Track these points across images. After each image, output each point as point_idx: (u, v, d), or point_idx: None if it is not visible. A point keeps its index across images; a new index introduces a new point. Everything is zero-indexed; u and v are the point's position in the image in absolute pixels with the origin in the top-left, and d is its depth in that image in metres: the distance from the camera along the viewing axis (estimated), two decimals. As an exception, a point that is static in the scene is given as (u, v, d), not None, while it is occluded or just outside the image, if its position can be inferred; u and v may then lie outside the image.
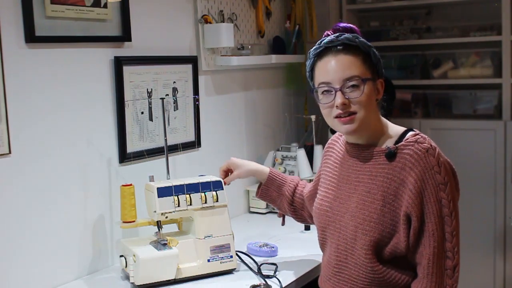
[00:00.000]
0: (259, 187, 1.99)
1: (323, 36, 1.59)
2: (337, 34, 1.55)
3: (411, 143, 1.49)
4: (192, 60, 2.42)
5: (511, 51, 2.86)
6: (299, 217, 1.97)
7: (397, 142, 1.53)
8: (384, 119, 1.61)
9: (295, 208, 1.94)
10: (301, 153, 2.70)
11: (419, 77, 3.19)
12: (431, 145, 1.49)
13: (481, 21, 3.03)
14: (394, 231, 1.47)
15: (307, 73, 1.62)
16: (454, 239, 1.44)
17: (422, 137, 1.51)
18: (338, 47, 1.52)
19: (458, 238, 1.45)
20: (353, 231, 1.51)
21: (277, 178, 1.95)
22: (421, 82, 3.18)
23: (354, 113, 1.51)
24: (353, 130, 1.53)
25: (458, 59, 3.08)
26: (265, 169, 1.97)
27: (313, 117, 2.75)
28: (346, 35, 1.53)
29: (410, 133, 1.54)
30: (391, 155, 1.50)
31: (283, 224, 2.06)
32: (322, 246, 1.68)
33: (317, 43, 1.58)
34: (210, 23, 2.48)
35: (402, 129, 1.58)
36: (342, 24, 1.59)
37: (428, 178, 1.44)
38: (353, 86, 1.50)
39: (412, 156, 1.46)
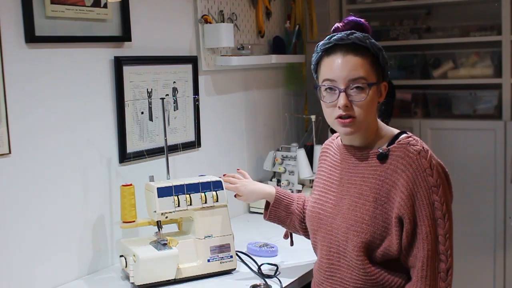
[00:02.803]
0: (266, 209, 1.93)
1: (333, 28, 1.56)
2: (348, 32, 1.50)
3: (403, 145, 1.48)
4: (192, 60, 2.42)
5: (511, 51, 2.86)
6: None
7: (389, 144, 1.52)
8: (379, 121, 1.59)
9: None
10: (301, 153, 2.69)
11: (419, 77, 3.19)
12: (423, 147, 1.47)
13: (481, 21, 3.03)
14: (386, 233, 1.46)
15: (312, 66, 1.59)
16: (448, 241, 1.43)
17: (414, 139, 1.50)
18: (348, 46, 1.49)
19: (451, 240, 1.44)
20: (344, 233, 1.51)
21: (284, 198, 1.89)
22: (421, 82, 3.18)
23: (354, 116, 1.49)
24: (351, 133, 1.52)
25: (458, 59, 3.08)
26: (272, 190, 1.90)
27: (313, 117, 2.75)
28: (357, 34, 1.50)
29: (403, 135, 1.52)
30: (382, 157, 1.49)
31: (291, 244, 2.00)
32: (315, 247, 1.67)
33: (327, 37, 1.54)
34: (210, 23, 2.48)
35: (395, 131, 1.57)
36: (353, 18, 1.55)
37: (420, 181, 1.43)
38: (357, 88, 1.47)
39: (403, 158, 1.45)
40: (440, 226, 1.43)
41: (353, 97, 1.48)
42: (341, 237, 1.52)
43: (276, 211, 1.90)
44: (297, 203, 1.88)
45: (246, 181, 1.98)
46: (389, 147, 1.50)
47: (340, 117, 1.50)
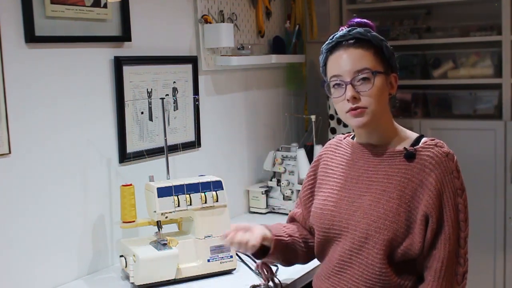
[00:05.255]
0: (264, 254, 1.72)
1: (338, 31, 1.58)
2: (350, 28, 1.54)
3: (431, 146, 1.50)
4: (192, 60, 2.42)
5: (511, 51, 2.86)
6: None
7: (413, 145, 1.54)
8: (396, 123, 1.62)
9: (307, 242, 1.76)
10: (301, 153, 2.69)
11: (419, 77, 3.19)
12: (449, 150, 1.50)
13: (481, 21, 3.03)
14: (408, 232, 1.46)
15: (320, 68, 1.61)
16: (466, 245, 1.47)
17: (440, 141, 1.53)
18: (350, 41, 1.51)
19: (467, 244, 1.48)
20: (364, 229, 1.50)
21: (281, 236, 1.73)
22: (421, 82, 3.17)
23: (364, 107, 1.50)
24: (364, 124, 1.51)
25: (458, 59, 3.08)
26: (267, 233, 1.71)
27: (313, 117, 2.75)
28: (359, 29, 1.53)
29: (427, 137, 1.56)
30: (410, 156, 1.50)
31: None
32: (322, 246, 1.64)
33: (329, 38, 1.57)
34: (210, 23, 2.48)
35: (415, 134, 1.60)
36: (356, 20, 1.58)
37: (448, 182, 1.45)
38: (363, 79, 1.49)
39: (432, 158, 1.47)
40: (461, 229, 1.46)
41: (359, 87, 1.49)
42: (359, 233, 1.51)
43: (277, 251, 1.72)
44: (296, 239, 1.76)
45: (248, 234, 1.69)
46: (415, 147, 1.52)
47: (351, 109, 1.50)
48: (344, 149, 1.66)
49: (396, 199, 1.48)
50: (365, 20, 1.58)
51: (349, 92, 1.49)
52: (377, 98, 1.50)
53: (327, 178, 1.67)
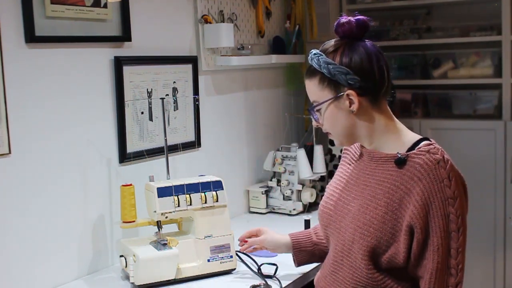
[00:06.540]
0: (294, 259, 1.89)
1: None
2: (309, 52, 1.55)
3: (423, 153, 1.43)
4: (192, 60, 2.42)
5: (511, 51, 2.86)
6: None
7: (409, 149, 1.48)
8: (398, 125, 1.56)
9: None
10: (301, 153, 2.69)
11: (419, 77, 3.19)
12: (443, 157, 1.43)
13: (481, 21, 3.03)
14: (393, 240, 1.44)
15: None
16: (460, 256, 1.39)
17: (435, 147, 1.45)
18: (308, 68, 1.55)
19: (463, 255, 1.41)
20: (351, 233, 1.50)
21: (301, 237, 1.88)
22: (421, 82, 3.18)
23: (328, 132, 1.57)
24: (339, 145, 1.59)
25: (458, 59, 3.08)
26: (287, 240, 1.89)
27: (313, 117, 2.75)
28: (313, 53, 1.52)
29: (424, 142, 1.48)
30: (400, 162, 1.45)
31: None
32: (326, 243, 1.67)
33: None
34: (210, 23, 2.48)
35: (417, 137, 1.53)
36: (336, 25, 1.52)
37: (437, 191, 1.39)
38: (315, 108, 1.53)
39: (422, 166, 1.41)
40: (453, 239, 1.39)
41: (316, 118, 1.56)
42: (348, 237, 1.51)
43: (301, 253, 1.87)
44: (315, 233, 1.86)
45: (263, 237, 1.96)
46: (408, 153, 1.46)
47: None
48: (355, 149, 1.66)
49: (383, 206, 1.45)
50: (342, 21, 1.50)
51: (313, 121, 1.59)
52: (332, 124, 1.53)
53: (336, 176, 1.68)
